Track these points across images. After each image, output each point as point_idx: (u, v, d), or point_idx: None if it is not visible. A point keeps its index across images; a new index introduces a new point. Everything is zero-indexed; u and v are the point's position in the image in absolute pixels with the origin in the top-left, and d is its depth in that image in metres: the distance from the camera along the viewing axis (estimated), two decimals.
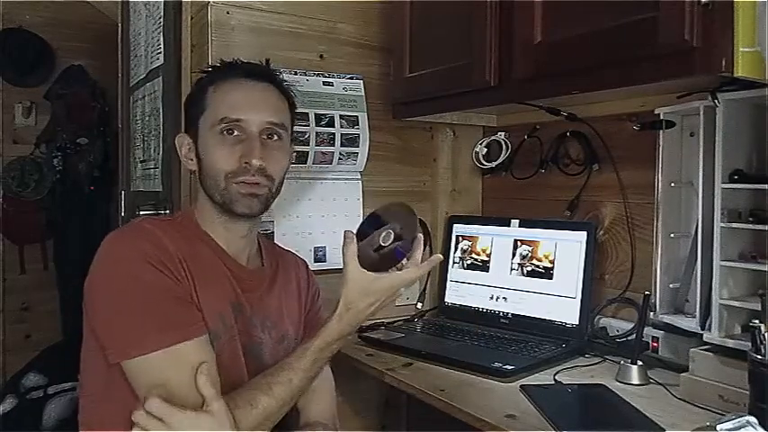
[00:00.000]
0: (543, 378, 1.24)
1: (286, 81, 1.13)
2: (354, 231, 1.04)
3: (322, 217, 1.62)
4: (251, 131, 1.03)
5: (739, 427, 0.82)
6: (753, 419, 0.83)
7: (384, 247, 1.02)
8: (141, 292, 0.92)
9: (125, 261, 0.94)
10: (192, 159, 1.08)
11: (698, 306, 1.14)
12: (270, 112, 1.05)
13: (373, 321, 1.51)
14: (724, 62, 0.91)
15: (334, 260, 1.63)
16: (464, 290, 1.68)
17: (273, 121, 1.05)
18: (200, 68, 1.11)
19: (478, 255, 1.67)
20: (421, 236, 1.02)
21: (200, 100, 1.06)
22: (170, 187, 1.66)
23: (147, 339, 0.90)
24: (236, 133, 1.02)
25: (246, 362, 1.05)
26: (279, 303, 1.14)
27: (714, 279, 1.09)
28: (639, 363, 1.22)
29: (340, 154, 1.60)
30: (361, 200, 1.67)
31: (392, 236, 1.02)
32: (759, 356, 0.92)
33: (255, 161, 1.01)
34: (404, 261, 1.01)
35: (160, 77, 1.75)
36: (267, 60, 1.15)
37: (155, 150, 1.81)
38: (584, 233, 1.46)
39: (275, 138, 1.06)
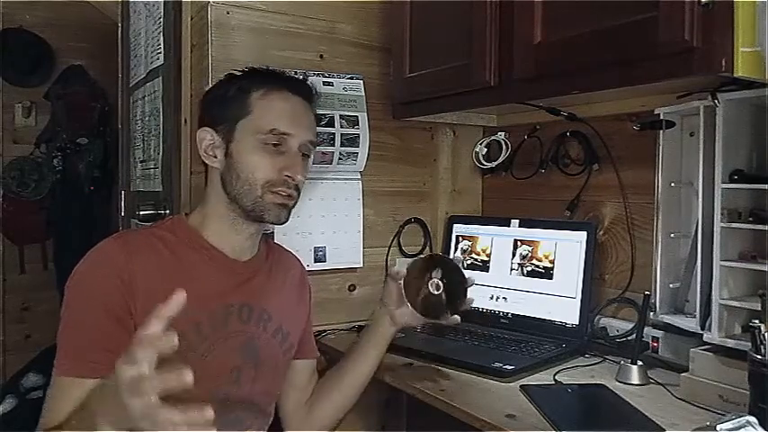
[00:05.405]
0: (543, 378, 1.24)
1: (320, 97, 1.18)
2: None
3: (322, 217, 1.61)
4: (292, 146, 1.07)
5: (739, 427, 0.82)
6: (753, 419, 0.83)
7: (434, 295, 1.15)
8: (79, 315, 0.98)
9: (80, 282, 0.99)
10: (215, 156, 1.08)
11: (698, 306, 1.14)
12: (310, 131, 1.11)
13: None
14: (724, 62, 0.91)
15: (333, 260, 1.63)
16: None
17: (311, 139, 1.11)
18: (234, 69, 1.15)
19: (478, 255, 1.67)
20: None
21: (241, 102, 1.07)
22: (170, 187, 1.66)
23: (58, 362, 0.96)
24: (279, 145, 1.06)
25: (242, 359, 1.07)
26: (275, 296, 1.15)
27: (714, 279, 1.09)
28: (639, 363, 1.22)
29: (340, 154, 1.60)
30: (361, 200, 1.67)
31: (441, 287, 1.15)
32: (759, 356, 0.92)
33: (300, 177, 1.07)
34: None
35: (160, 77, 1.75)
36: (305, 76, 1.20)
37: (155, 150, 1.81)
38: (584, 233, 1.46)
39: (308, 154, 1.11)
